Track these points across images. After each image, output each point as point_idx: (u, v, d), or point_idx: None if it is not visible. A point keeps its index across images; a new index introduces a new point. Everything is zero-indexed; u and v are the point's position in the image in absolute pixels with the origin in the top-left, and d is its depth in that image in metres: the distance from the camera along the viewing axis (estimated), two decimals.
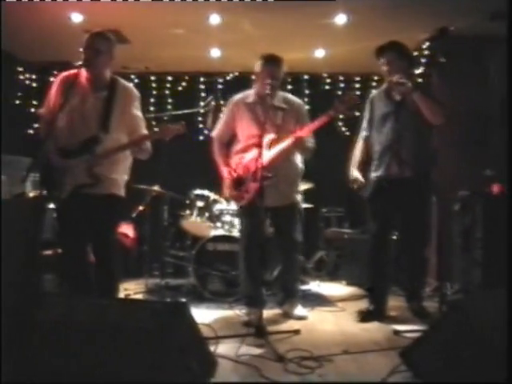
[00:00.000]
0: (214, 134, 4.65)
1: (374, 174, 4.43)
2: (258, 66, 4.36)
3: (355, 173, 4.47)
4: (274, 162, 4.22)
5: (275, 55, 4.33)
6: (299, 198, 4.64)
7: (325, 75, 7.50)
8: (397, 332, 3.87)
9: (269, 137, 4.25)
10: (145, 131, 3.84)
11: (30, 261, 3.78)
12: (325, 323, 4.35)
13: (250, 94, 4.50)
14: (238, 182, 4.38)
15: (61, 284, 4.68)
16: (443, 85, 5.90)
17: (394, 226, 4.53)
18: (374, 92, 4.70)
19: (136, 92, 3.88)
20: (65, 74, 3.80)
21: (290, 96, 4.58)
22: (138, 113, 3.85)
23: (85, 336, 2.57)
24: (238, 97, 4.56)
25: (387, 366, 3.07)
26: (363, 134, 4.60)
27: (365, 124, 4.60)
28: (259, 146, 3.97)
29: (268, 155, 4.21)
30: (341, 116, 6.98)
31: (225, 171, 4.46)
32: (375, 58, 4.34)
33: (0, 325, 2.71)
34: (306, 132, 4.24)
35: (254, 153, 4.27)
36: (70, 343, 2.57)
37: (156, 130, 3.91)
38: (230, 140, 4.64)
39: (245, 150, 4.42)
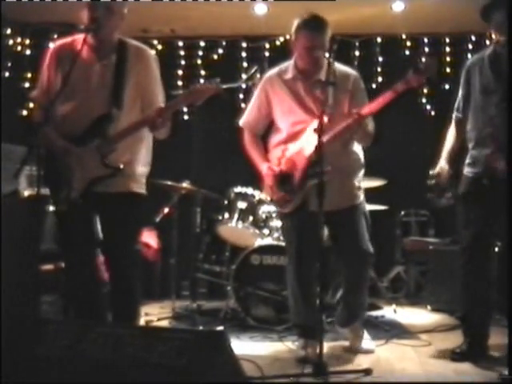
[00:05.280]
0: (242, 122, 4.60)
1: (469, 170, 4.32)
2: (293, 31, 4.26)
3: (442, 164, 4.41)
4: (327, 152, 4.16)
5: (316, 16, 4.22)
6: (362, 197, 4.56)
7: (404, 37, 7.41)
8: (504, 377, 3.74)
9: (316, 122, 4.17)
10: (162, 104, 3.77)
11: (26, 279, 3.85)
12: (404, 361, 4.30)
13: (288, 68, 4.41)
14: (282, 181, 4.34)
15: (65, 308, 4.76)
16: None
17: (495, 235, 4.42)
18: (471, 58, 4.54)
19: (152, 53, 3.89)
20: (59, 43, 3.84)
21: (340, 66, 4.45)
22: (157, 80, 3.84)
23: (95, 375, 2.61)
24: (272, 72, 4.50)
25: None
26: (456, 114, 4.50)
27: (459, 102, 4.49)
28: (318, 131, 3.91)
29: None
30: (425, 90, 6.92)
31: (264, 167, 4.40)
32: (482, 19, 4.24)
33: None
34: (368, 112, 4.14)
35: (301, 143, 4.26)
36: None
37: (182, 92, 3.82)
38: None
39: (288, 140, 4.37)
